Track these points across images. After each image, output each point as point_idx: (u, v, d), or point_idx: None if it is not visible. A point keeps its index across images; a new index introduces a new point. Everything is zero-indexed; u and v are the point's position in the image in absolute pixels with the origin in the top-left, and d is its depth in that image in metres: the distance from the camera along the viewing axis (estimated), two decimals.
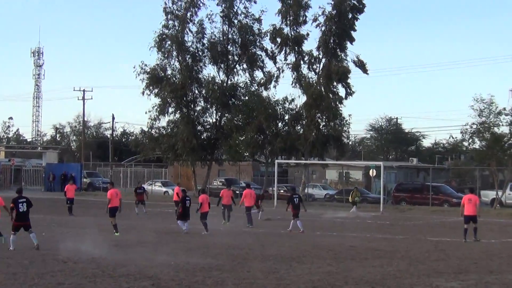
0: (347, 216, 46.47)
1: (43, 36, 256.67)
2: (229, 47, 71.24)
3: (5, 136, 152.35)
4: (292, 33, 66.69)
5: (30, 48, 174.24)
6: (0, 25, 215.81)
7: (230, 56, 71.47)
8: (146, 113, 71.16)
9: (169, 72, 70.34)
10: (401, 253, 24.92)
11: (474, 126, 59.04)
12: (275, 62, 69.48)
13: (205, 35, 70.78)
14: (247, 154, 74.95)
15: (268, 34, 68.35)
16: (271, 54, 69.93)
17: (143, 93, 69.75)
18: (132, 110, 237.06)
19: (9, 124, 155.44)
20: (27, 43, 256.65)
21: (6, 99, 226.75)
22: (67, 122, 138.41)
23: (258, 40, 70.70)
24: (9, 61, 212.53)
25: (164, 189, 74.52)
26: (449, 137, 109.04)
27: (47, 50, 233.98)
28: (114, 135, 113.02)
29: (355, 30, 65.80)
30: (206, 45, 70.79)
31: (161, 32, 69.28)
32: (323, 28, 65.26)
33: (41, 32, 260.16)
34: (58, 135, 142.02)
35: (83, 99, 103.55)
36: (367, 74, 66.23)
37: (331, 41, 65.15)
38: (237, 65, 71.68)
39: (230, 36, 70.88)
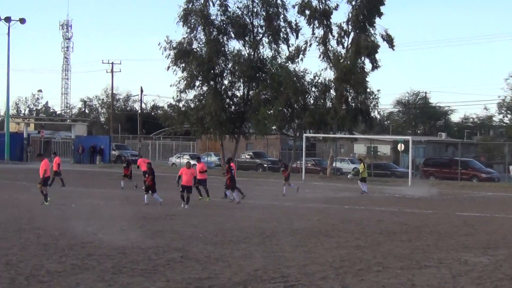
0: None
1: (72, 8, 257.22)
2: (253, 20, 71.10)
3: (35, 108, 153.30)
4: (321, 6, 66.35)
5: (58, 21, 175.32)
6: None
7: (254, 29, 71.33)
8: (170, 86, 71.30)
9: (195, 46, 70.35)
10: (430, 228, 24.82)
11: (508, 100, 58.60)
12: (297, 36, 69.48)
13: (228, 8, 70.77)
14: (275, 127, 74.89)
15: (296, 7, 68.07)
16: (294, 27, 69.82)
17: (168, 68, 69.90)
18: (161, 83, 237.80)
19: (38, 97, 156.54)
20: (56, 16, 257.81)
21: (36, 72, 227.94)
22: (95, 95, 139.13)
23: (282, 13, 70.56)
24: (38, 34, 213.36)
25: (192, 162, 74.70)
26: (484, 108, 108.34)
27: (75, 23, 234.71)
28: (143, 108, 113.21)
29: (383, 4, 65.43)
30: (230, 18, 70.63)
31: (185, 6, 69.20)
32: (353, 2, 64.92)
33: (70, 4, 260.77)
34: (86, 108, 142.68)
35: (112, 72, 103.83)
36: (393, 49, 66.03)
37: (361, 15, 64.76)
38: (262, 38, 71.56)
39: (253, 9, 70.74)
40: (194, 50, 69.70)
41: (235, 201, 33.74)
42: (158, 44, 69.62)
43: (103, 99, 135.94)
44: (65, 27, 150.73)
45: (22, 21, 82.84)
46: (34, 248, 18.36)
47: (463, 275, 15.96)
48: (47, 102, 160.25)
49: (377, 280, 15.20)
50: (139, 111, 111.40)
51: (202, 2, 69.08)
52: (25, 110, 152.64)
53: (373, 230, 24.04)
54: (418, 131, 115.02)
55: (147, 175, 32.48)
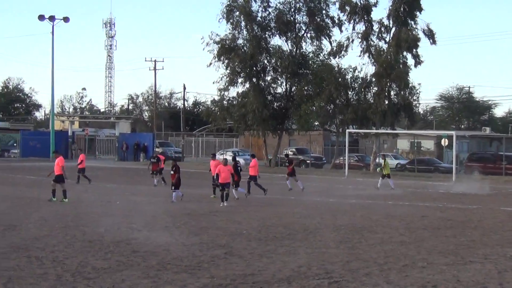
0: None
1: (115, 7, 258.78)
2: (295, 15, 71.07)
3: (79, 106, 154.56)
4: (361, 1, 66.14)
5: (102, 19, 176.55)
6: None
7: (297, 25, 71.28)
8: (213, 83, 71.55)
9: (238, 42, 70.38)
10: (474, 223, 24.62)
11: None
12: (341, 30, 69.47)
13: (270, 3, 70.73)
14: (317, 123, 74.83)
15: (337, 3, 67.99)
16: (337, 22, 69.68)
17: (210, 64, 70.04)
18: (203, 81, 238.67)
19: (83, 95, 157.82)
20: (99, 14, 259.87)
21: (80, 70, 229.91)
22: (141, 93, 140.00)
23: (324, 8, 70.41)
24: (82, 33, 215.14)
25: (237, 158, 74.85)
26: None
27: (118, 21, 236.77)
28: (185, 105, 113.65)
29: None
30: (273, 14, 70.63)
31: (228, 3, 69.33)
32: None
33: (113, 3, 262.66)
34: (131, 105, 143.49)
35: (155, 69, 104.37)
36: (435, 44, 65.56)
37: (401, 9, 64.44)
38: (304, 34, 71.48)
39: (296, 4, 70.68)
40: (237, 46, 69.80)
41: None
42: (201, 39, 70.00)
43: (147, 96, 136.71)
44: (108, 25, 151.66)
45: (66, 19, 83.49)
46: (79, 245, 18.53)
47: (509, 271, 15.83)
48: (91, 100, 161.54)
49: (421, 276, 15.11)
50: (182, 108, 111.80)
51: None
52: (69, 108, 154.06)
53: (417, 225, 23.90)
54: (462, 126, 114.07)
55: (173, 172, 31.71)
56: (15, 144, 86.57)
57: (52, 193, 30.69)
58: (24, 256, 16.60)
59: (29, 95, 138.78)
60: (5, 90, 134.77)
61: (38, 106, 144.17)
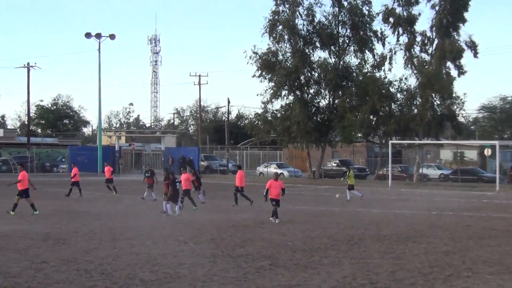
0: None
1: (159, 24, 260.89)
2: (339, 29, 71.11)
3: (126, 122, 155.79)
4: (405, 13, 66.16)
5: (147, 36, 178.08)
6: (119, 14, 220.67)
7: (340, 39, 71.34)
8: (257, 95, 71.88)
9: (280, 56, 70.63)
10: None
11: None
12: (383, 44, 69.45)
13: (315, 18, 70.85)
14: (361, 135, 74.68)
15: (380, 15, 68.02)
16: (380, 36, 69.67)
17: (254, 76, 70.50)
18: (248, 93, 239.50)
19: (129, 110, 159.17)
20: (144, 31, 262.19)
21: (126, 86, 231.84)
22: (187, 105, 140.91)
23: (367, 22, 70.38)
24: (128, 49, 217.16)
25: (280, 170, 74.90)
26: None
27: (163, 37, 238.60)
28: (229, 119, 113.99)
29: (467, 10, 64.85)
30: (317, 28, 70.72)
31: (272, 17, 69.63)
32: (437, 8, 64.54)
33: (157, 20, 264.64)
34: (177, 119, 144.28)
35: (199, 84, 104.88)
36: (477, 57, 65.26)
37: (445, 21, 64.29)
38: (348, 47, 71.51)
39: (340, 18, 70.77)
40: (280, 60, 70.02)
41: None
42: (244, 52, 70.35)
43: (193, 110, 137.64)
44: (153, 41, 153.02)
45: (112, 37, 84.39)
46: (127, 257, 18.65)
47: None
48: (138, 116, 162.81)
49: (466, 286, 15.01)
50: (227, 122, 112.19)
51: (289, 13, 69.39)
52: (116, 124, 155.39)
53: (462, 235, 23.72)
54: (505, 136, 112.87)
55: (169, 186, 31.41)
56: (63, 160, 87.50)
57: (14, 206, 30.87)
58: (73, 269, 16.76)
59: (77, 111, 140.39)
60: (54, 107, 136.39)
61: (86, 122, 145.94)
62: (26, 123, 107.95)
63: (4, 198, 36.47)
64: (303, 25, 70.85)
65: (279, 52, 70.54)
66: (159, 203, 33.20)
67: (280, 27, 69.73)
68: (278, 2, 70.15)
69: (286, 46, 70.74)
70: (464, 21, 64.87)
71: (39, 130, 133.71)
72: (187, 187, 33.92)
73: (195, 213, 31.96)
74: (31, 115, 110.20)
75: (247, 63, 70.67)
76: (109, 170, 47.00)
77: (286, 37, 70.05)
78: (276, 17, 69.78)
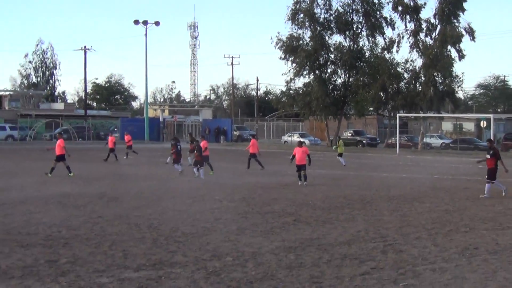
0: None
1: (198, 11, 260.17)
2: (353, 16, 70.90)
3: (169, 97, 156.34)
4: (412, 2, 65.88)
5: (187, 23, 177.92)
6: (162, 4, 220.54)
7: (354, 24, 71.09)
8: (282, 75, 72.06)
9: (301, 40, 70.41)
10: (511, 194, 24.10)
11: None
12: (393, 29, 69.30)
13: (331, 6, 70.63)
14: (372, 109, 74.71)
15: (390, 4, 67.76)
16: (390, 22, 69.44)
17: (280, 58, 70.60)
18: (275, 72, 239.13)
19: (172, 87, 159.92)
20: (184, 18, 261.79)
21: (169, 66, 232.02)
22: (221, 83, 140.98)
23: (378, 9, 70.13)
24: (171, 34, 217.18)
25: (302, 139, 74.69)
26: None
27: (201, 23, 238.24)
28: (258, 95, 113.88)
29: (466, 1, 64.44)
30: (333, 16, 70.58)
31: (293, 7, 69.57)
32: None
33: (196, 8, 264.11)
34: (213, 95, 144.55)
35: (232, 64, 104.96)
36: (474, 41, 64.74)
37: (446, 10, 63.91)
38: (361, 32, 71.32)
39: (353, 7, 70.54)
40: (301, 44, 69.93)
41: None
42: (270, 39, 70.51)
43: (227, 87, 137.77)
44: (192, 27, 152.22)
45: (157, 23, 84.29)
46: (171, 213, 18.73)
47: None
48: (179, 92, 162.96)
49: (464, 239, 14.92)
50: (256, 97, 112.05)
51: (309, 2, 69.34)
52: (160, 99, 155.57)
53: (460, 196, 23.59)
54: (499, 110, 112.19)
55: (195, 152, 31.16)
56: (115, 129, 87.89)
57: (51, 170, 30.85)
58: (125, 223, 16.86)
59: (127, 88, 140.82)
60: (108, 84, 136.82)
61: (134, 97, 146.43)
62: (84, 98, 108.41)
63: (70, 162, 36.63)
64: (321, 13, 70.79)
65: (301, 36, 70.47)
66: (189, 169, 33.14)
67: (301, 15, 69.67)
68: None
69: (306, 32, 70.71)
70: (463, 10, 64.52)
71: (95, 104, 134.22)
72: (205, 154, 32.89)
73: (212, 176, 31.83)
74: (87, 91, 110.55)
75: (274, 48, 70.77)
76: (128, 138, 47.10)
77: (306, 23, 69.93)
78: (298, 6, 69.73)
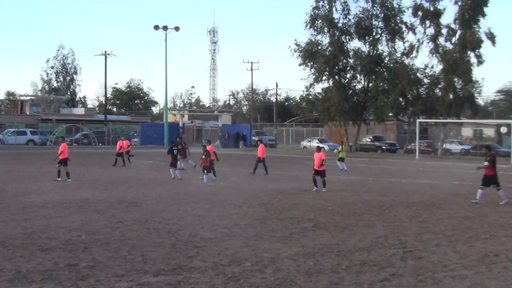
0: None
1: (217, 17, 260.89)
2: (372, 21, 70.77)
3: (188, 102, 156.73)
4: (432, 8, 65.72)
5: (206, 28, 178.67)
6: (182, 9, 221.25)
7: (373, 30, 70.96)
8: (301, 79, 72.25)
9: (320, 46, 70.44)
10: None
11: None
12: (414, 33, 69.14)
13: (350, 12, 70.66)
14: (391, 114, 74.53)
15: (410, 9, 67.72)
16: (410, 27, 69.28)
17: (300, 64, 70.65)
18: (294, 78, 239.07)
19: (191, 92, 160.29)
20: (204, 24, 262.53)
21: (188, 71, 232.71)
22: (241, 89, 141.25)
23: (398, 14, 70.03)
24: (190, 40, 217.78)
25: (321, 145, 74.49)
26: None
27: (220, 29, 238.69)
28: (278, 100, 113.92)
29: (487, 6, 64.06)
30: (352, 21, 70.61)
31: (312, 12, 69.64)
32: (459, 3, 63.87)
33: (216, 13, 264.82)
34: (232, 99, 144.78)
35: (251, 69, 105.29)
36: (495, 46, 64.57)
37: (466, 15, 63.66)
38: (380, 37, 71.21)
39: (373, 12, 70.44)
40: (320, 50, 69.97)
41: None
42: (289, 47, 70.74)
43: (247, 93, 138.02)
44: (212, 33, 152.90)
45: (177, 29, 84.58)
46: (190, 218, 18.74)
47: None
48: (198, 96, 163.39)
49: (485, 246, 14.81)
50: (275, 103, 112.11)
51: (327, 8, 69.40)
52: (180, 104, 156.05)
53: (480, 203, 23.40)
54: None
55: (203, 157, 31.18)
56: (135, 134, 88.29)
57: (57, 174, 31.07)
58: (144, 228, 16.89)
59: (147, 93, 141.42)
60: (128, 89, 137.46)
61: (154, 102, 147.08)
62: (104, 103, 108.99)
63: (80, 166, 36.88)
64: (340, 18, 70.85)
65: (320, 42, 70.48)
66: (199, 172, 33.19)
67: (320, 20, 69.75)
68: None
69: (325, 37, 70.76)
70: (484, 15, 64.21)
71: (115, 109, 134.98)
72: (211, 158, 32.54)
73: (219, 183, 31.90)
74: (107, 96, 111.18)
75: (292, 55, 70.95)
76: (126, 144, 45.98)
77: (325, 29, 69.98)
78: (316, 11, 69.82)
